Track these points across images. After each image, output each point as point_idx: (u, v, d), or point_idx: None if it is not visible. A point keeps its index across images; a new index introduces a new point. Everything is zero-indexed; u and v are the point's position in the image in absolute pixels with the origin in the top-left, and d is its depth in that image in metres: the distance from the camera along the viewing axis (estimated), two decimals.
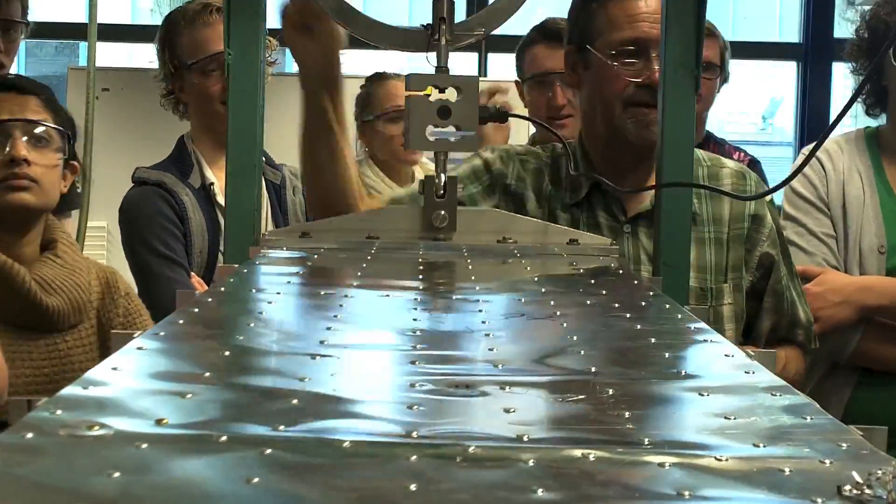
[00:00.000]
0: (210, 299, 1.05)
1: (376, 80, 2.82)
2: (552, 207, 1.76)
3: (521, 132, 2.98)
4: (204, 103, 2.29)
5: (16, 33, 2.58)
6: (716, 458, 0.61)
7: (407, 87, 1.38)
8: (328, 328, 0.94)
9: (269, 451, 0.60)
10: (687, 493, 0.56)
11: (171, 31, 2.35)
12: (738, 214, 1.80)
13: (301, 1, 1.60)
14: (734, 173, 1.84)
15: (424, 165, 2.83)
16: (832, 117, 1.58)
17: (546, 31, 2.60)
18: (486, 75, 4.17)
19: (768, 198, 1.87)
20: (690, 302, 1.57)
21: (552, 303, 1.10)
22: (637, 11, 1.73)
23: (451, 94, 1.37)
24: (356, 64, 2.91)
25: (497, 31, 1.50)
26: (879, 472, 0.57)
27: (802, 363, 1.88)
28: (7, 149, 1.80)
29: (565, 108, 2.51)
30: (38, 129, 1.84)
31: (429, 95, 1.37)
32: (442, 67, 1.40)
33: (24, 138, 1.82)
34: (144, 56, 5.58)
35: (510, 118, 1.67)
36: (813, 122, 4.58)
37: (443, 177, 1.40)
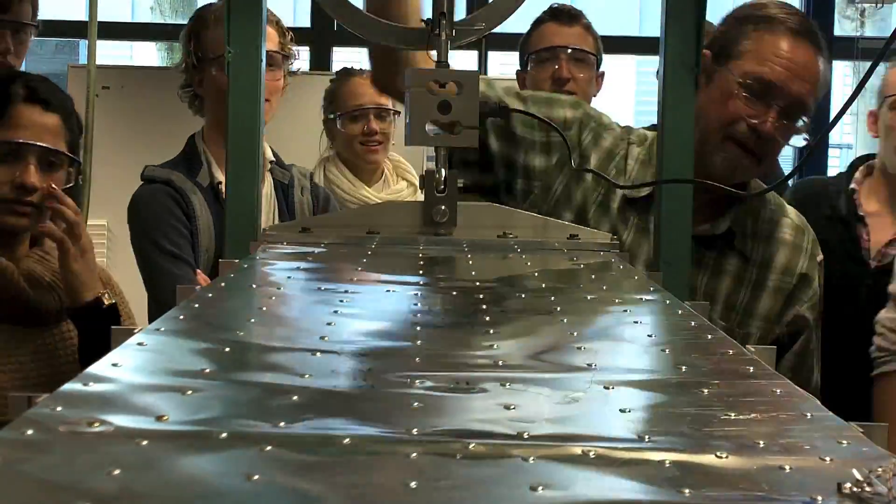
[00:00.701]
0: (210, 294, 1.05)
1: (342, 77, 2.81)
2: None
3: None
4: (222, 99, 2.29)
5: (25, 35, 2.58)
6: (716, 456, 0.61)
7: (407, 83, 1.38)
8: (329, 324, 0.94)
9: (269, 447, 0.60)
10: (687, 491, 0.55)
11: (198, 25, 2.35)
12: (791, 268, 1.77)
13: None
14: (794, 225, 1.80)
15: (395, 160, 2.82)
16: (832, 114, 1.58)
17: (555, 12, 2.62)
18: (486, 73, 4.16)
19: (819, 259, 1.82)
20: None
21: (552, 298, 1.10)
22: (785, 55, 1.67)
23: (451, 89, 1.37)
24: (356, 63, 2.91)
25: (497, 29, 1.50)
26: (880, 469, 0.57)
27: None
28: (19, 172, 1.81)
29: (569, 84, 2.50)
30: (52, 155, 1.85)
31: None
32: (442, 62, 1.40)
33: (37, 162, 1.82)
34: (145, 54, 5.58)
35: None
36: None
37: (443, 171, 1.40)
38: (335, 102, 2.76)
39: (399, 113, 2.70)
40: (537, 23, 2.66)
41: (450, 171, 1.40)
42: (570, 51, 2.56)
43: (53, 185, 1.82)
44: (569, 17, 2.59)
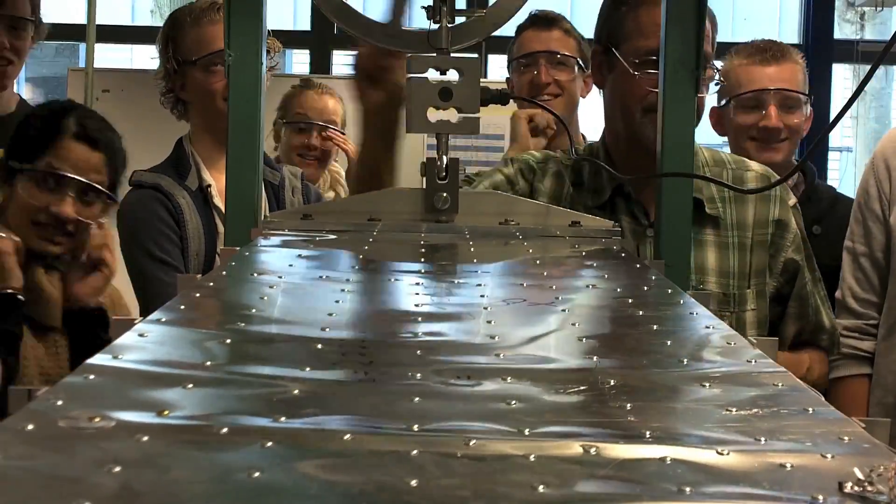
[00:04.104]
0: (211, 283, 1.05)
1: (299, 87, 2.85)
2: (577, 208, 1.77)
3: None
4: (206, 100, 2.28)
5: (24, 31, 2.54)
6: (717, 452, 0.61)
7: (408, 69, 1.37)
8: (330, 314, 0.94)
9: (269, 443, 0.60)
10: (688, 489, 0.55)
11: (175, 29, 2.34)
12: (762, 220, 1.80)
13: (373, 52, 1.60)
14: (759, 177, 1.83)
15: (332, 170, 2.88)
16: (832, 117, 1.58)
17: (535, 18, 2.61)
18: (485, 76, 4.17)
19: (792, 202, 1.86)
20: (712, 307, 1.57)
21: (553, 287, 1.09)
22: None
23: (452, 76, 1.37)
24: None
25: (496, 32, 1.50)
26: (881, 467, 0.57)
27: (826, 368, 1.90)
28: (56, 202, 1.88)
29: (550, 87, 2.50)
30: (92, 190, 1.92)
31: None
32: (443, 49, 1.39)
33: (76, 194, 1.90)
34: (144, 57, 5.58)
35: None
36: (813, 122, 4.57)
37: (444, 159, 1.39)
38: (285, 109, 2.80)
39: (343, 133, 2.78)
40: (519, 30, 2.66)
41: (451, 158, 1.40)
42: (556, 56, 2.55)
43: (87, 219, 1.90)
44: (546, 21, 2.59)
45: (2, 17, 2.49)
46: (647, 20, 1.74)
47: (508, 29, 1.56)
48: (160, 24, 2.52)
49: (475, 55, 1.40)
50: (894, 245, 2.02)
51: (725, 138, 2.47)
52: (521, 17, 2.60)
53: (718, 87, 1.80)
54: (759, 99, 2.33)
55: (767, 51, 2.37)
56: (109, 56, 4.99)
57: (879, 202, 2.06)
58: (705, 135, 2.26)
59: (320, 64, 4.46)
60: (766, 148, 2.31)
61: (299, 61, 4.63)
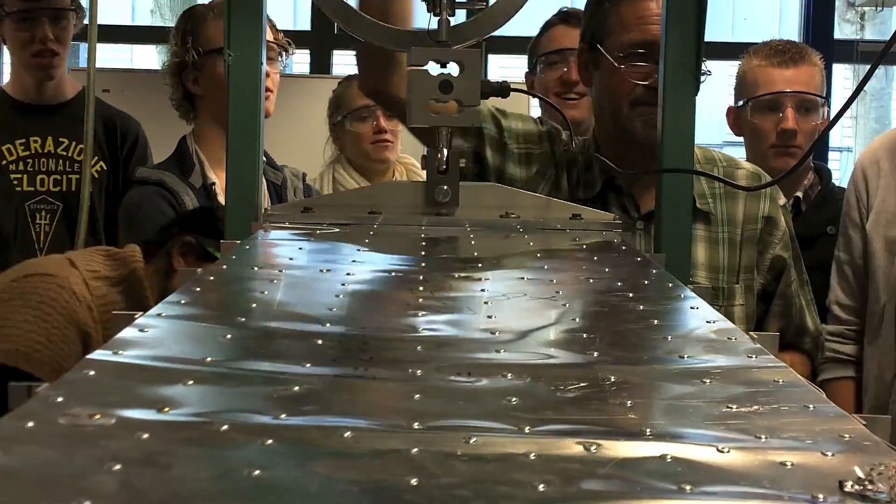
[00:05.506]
0: (212, 277, 1.05)
1: (346, 82, 2.84)
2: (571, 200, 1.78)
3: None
4: (224, 89, 2.27)
5: (66, 21, 2.60)
6: (717, 450, 0.60)
7: (409, 62, 1.37)
8: (330, 309, 0.94)
9: (269, 441, 0.60)
10: (688, 487, 0.55)
11: (194, 22, 2.34)
12: (752, 216, 1.81)
13: None
14: (749, 175, 1.85)
15: (406, 162, 2.85)
16: (832, 117, 1.58)
17: (566, 14, 2.59)
18: (486, 76, 4.16)
19: (781, 202, 1.88)
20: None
21: (554, 281, 1.09)
22: (647, 13, 1.73)
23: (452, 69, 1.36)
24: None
25: (497, 32, 1.49)
26: (882, 466, 0.56)
27: (808, 371, 1.90)
28: None
29: (578, 87, 2.48)
30: None
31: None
32: (443, 42, 1.39)
33: None
34: (145, 57, 5.58)
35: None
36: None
37: (445, 152, 1.39)
38: (342, 105, 2.78)
39: None
40: (547, 25, 2.63)
41: (451, 151, 1.39)
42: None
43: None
44: (578, 19, 2.56)
45: (44, 10, 2.54)
46: (629, 14, 1.75)
47: (508, 29, 1.56)
48: (160, 23, 2.53)
49: (476, 49, 1.39)
50: (870, 251, 2.04)
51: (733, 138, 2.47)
52: (531, 13, 2.58)
53: (705, 78, 1.81)
54: (776, 102, 2.33)
55: (785, 52, 2.36)
56: (109, 56, 4.98)
57: (858, 210, 2.10)
58: (704, 135, 2.26)
59: (321, 64, 4.45)
60: (783, 151, 2.31)
61: (300, 61, 4.63)
